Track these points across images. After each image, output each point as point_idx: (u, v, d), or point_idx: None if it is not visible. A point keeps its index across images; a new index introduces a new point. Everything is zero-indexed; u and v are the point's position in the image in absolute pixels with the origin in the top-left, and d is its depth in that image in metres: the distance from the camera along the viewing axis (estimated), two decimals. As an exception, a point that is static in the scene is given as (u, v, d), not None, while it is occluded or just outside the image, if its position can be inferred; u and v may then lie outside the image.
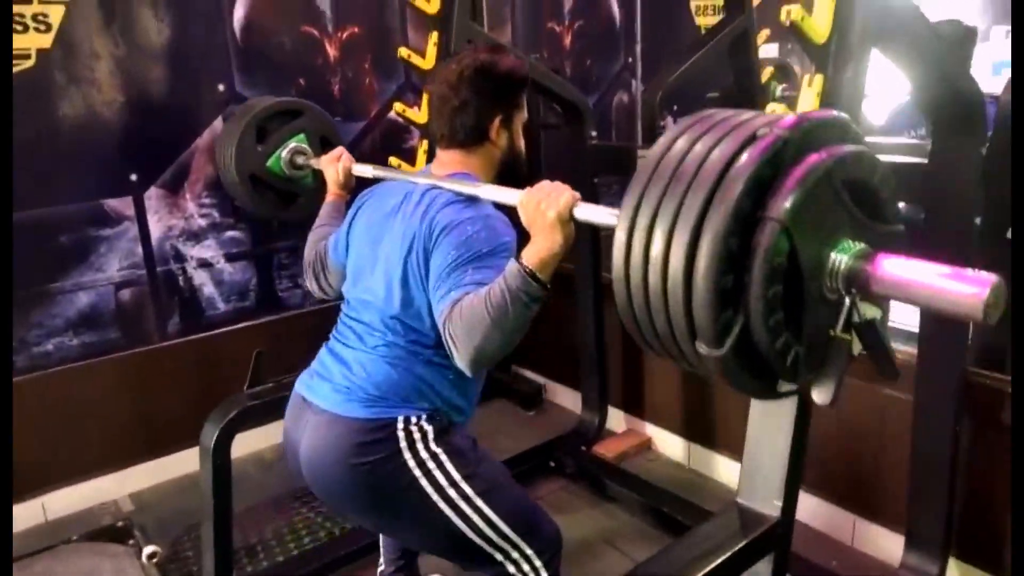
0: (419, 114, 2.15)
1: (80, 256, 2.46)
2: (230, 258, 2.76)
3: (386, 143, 3.05)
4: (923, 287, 0.78)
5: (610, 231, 0.92)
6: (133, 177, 2.52)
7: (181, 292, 2.68)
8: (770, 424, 1.34)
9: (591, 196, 2.69)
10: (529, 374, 3.29)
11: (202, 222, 2.68)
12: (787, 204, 0.78)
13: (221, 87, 2.64)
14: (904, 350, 1.88)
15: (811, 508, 2.24)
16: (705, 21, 4.17)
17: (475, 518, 1.37)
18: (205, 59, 2.60)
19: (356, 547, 2.14)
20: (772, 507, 1.31)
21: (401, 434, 1.35)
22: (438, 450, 1.36)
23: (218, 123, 2.64)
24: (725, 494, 2.42)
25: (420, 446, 1.35)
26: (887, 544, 2.09)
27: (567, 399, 3.07)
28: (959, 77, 1.61)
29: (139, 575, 2.16)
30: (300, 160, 2.00)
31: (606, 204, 1.13)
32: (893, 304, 0.89)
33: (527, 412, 3.11)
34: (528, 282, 1.14)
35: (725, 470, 2.52)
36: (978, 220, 1.69)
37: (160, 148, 2.57)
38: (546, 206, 1.13)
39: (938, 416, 1.83)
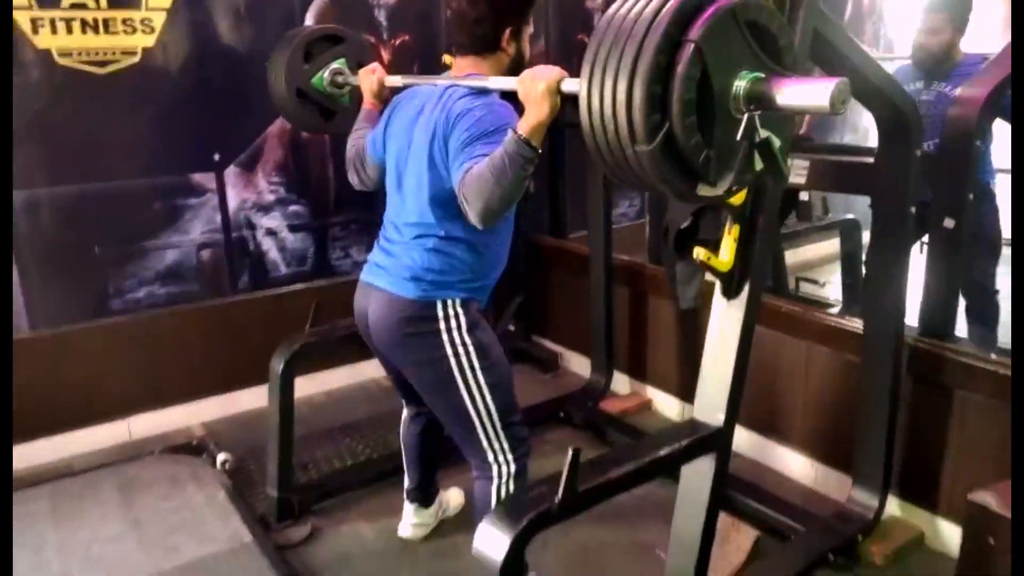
0: None
1: (170, 220, 2.92)
2: (292, 229, 3.21)
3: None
4: (795, 94, 1.09)
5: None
6: (216, 157, 2.97)
7: (251, 255, 3.13)
8: (719, 357, 1.72)
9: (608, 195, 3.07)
10: (547, 343, 3.70)
11: (270, 197, 3.14)
12: (701, 30, 1.06)
13: (292, 82, 3.09)
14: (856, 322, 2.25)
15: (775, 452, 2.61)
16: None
17: (479, 402, 1.77)
18: (278, 59, 3.05)
19: (390, 466, 2.56)
20: (717, 418, 1.69)
21: (440, 315, 1.73)
22: (468, 340, 1.75)
23: (288, 112, 3.09)
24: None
25: (455, 333, 1.74)
26: (841, 484, 2.44)
27: (580, 365, 3.45)
28: (896, 94, 1.96)
29: (212, 479, 2.61)
30: (340, 79, 2.30)
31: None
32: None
33: (544, 375, 3.51)
34: (521, 145, 1.45)
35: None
36: (912, 209, 2.04)
37: (239, 133, 3.02)
38: (539, 79, 1.43)
39: (880, 375, 2.18)
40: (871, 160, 2.08)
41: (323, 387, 3.38)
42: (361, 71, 2.10)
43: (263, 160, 3.08)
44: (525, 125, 1.46)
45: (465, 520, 2.35)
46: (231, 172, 3.02)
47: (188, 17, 2.83)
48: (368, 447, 2.86)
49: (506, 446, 1.83)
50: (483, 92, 1.65)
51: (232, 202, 3.04)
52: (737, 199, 1.64)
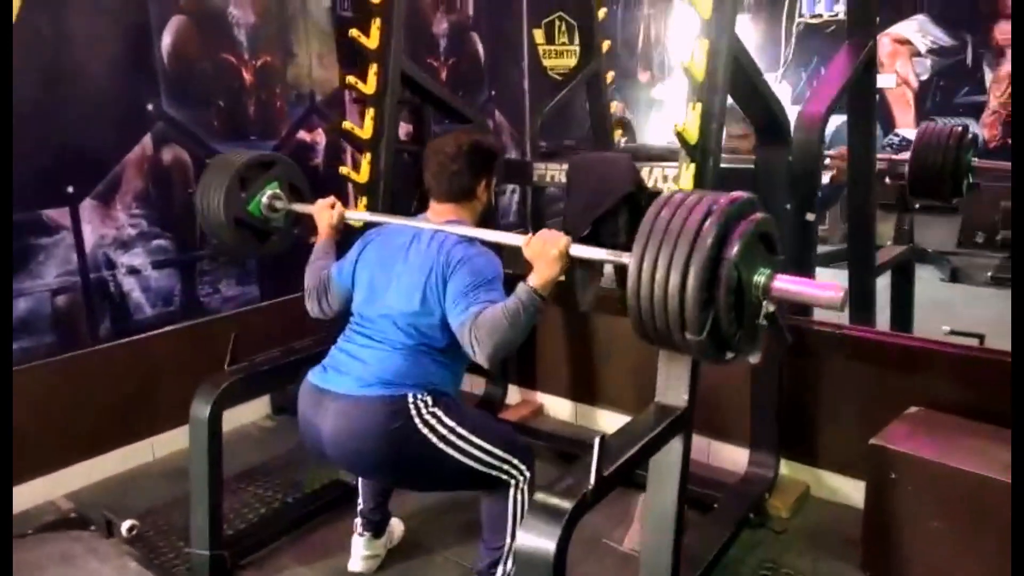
0: (363, 131, 2.54)
1: (19, 264, 2.56)
2: (157, 265, 2.95)
3: (295, 160, 3.35)
4: (803, 293, 1.43)
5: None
6: (69, 189, 2.66)
7: (112, 298, 2.83)
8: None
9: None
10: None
11: (132, 231, 2.86)
12: (737, 250, 1.37)
13: (150, 107, 2.85)
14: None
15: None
16: (551, 62, 4.88)
17: (473, 451, 1.83)
18: (136, 81, 2.81)
19: (311, 507, 2.50)
20: (682, 399, 1.88)
21: (411, 406, 1.79)
22: (437, 410, 1.81)
23: (147, 139, 2.85)
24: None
25: (425, 412, 1.80)
26: (733, 456, 2.76)
27: (476, 384, 3.53)
28: (774, 105, 2.32)
29: (112, 550, 2.33)
30: (278, 204, 2.33)
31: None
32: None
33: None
34: (535, 298, 1.69)
35: (605, 421, 3.11)
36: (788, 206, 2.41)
37: (94, 162, 2.73)
38: (551, 246, 1.67)
39: (767, 353, 2.51)
40: (751, 166, 2.41)
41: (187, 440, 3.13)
42: (318, 204, 2.20)
43: (122, 191, 2.81)
44: (539, 281, 1.69)
45: (411, 547, 2.37)
46: (87, 206, 2.72)
47: (32, 31, 2.52)
48: (278, 492, 2.71)
49: (515, 461, 1.90)
50: (471, 239, 1.85)
51: (89, 239, 2.74)
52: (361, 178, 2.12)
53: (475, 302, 1.73)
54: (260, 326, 3.29)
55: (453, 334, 1.81)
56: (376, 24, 2.49)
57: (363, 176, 2.54)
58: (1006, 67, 5.52)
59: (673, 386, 1.89)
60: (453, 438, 1.81)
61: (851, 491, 2.52)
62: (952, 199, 3.36)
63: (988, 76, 5.63)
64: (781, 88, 6.50)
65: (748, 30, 6.60)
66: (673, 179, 2.54)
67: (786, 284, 1.44)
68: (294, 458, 2.99)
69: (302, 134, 3.41)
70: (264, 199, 2.32)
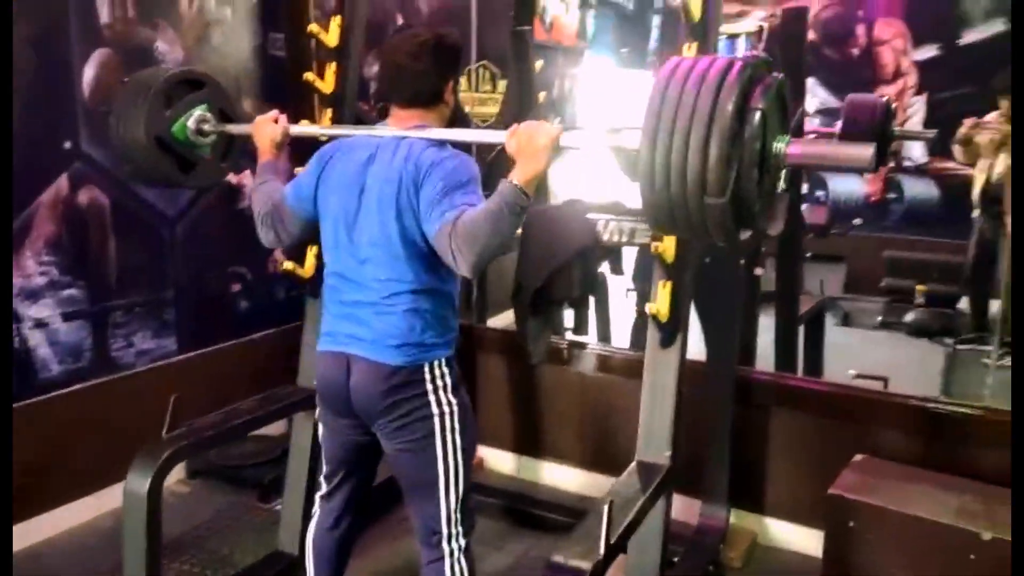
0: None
1: (-93, 318, 2.25)
2: (66, 317, 2.67)
3: (221, 203, 3.18)
4: (826, 155, 1.36)
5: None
6: (-28, 233, 2.39)
7: (15, 355, 2.53)
8: (657, 401, 1.91)
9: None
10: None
11: (40, 280, 2.59)
12: (764, 99, 1.25)
13: (67, 144, 2.62)
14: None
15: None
16: (475, 110, 4.89)
17: (451, 466, 1.74)
18: (53, 117, 2.57)
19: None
20: (664, 457, 1.87)
21: (427, 377, 1.71)
22: (453, 400, 1.74)
23: (63, 180, 2.61)
24: (551, 491, 3.01)
25: (441, 393, 1.72)
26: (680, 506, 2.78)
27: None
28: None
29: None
30: (206, 127, 2.07)
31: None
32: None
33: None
34: (519, 195, 1.50)
35: (551, 474, 3.07)
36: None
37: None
38: (540, 135, 1.50)
39: (721, 404, 2.57)
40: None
41: (103, 506, 2.84)
42: (258, 120, 1.95)
43: (33, 236, 2.54)
44: (522, 176, 1.52)
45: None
46: (-9, 253, 2.43)
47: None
48: (207, 568, 2.48)
49: (460, 519, 1.80)
50: (442, 143, 1.68)
51: (-8, 290, 2.45)
52: (668, 255, 1.88)
53: (451, 207, 1.56)
54: (178, 382, 3.05)
55: (428, 266, 1.68)
56: (332, 68, 2.39)
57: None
58: (883, 129, 6.03)
59: (655, 443, 1.89)
60: (448, 437, 1.73)
61: (798, 538, 2.59)
62: (878, 167, 3.43)
63: (870, 136, 6.12)
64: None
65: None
66: (628, 233, 2.60)
67: (806, 148, 1.33)
68: (219, 526, 2.76)
69: (228, 176, 3.22)
70: (191, 122, 2.04)
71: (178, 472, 3.10)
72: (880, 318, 5.33)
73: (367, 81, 3.81)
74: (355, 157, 1.75)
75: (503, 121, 3.67)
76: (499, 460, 3.22)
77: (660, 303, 1.87)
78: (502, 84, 4.98)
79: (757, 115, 1.24)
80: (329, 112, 2.43)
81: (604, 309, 3.33)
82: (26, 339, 2.56)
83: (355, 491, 1.98)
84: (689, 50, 1.84)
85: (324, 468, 1.98)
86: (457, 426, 1.74)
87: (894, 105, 3.52)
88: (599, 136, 1.60)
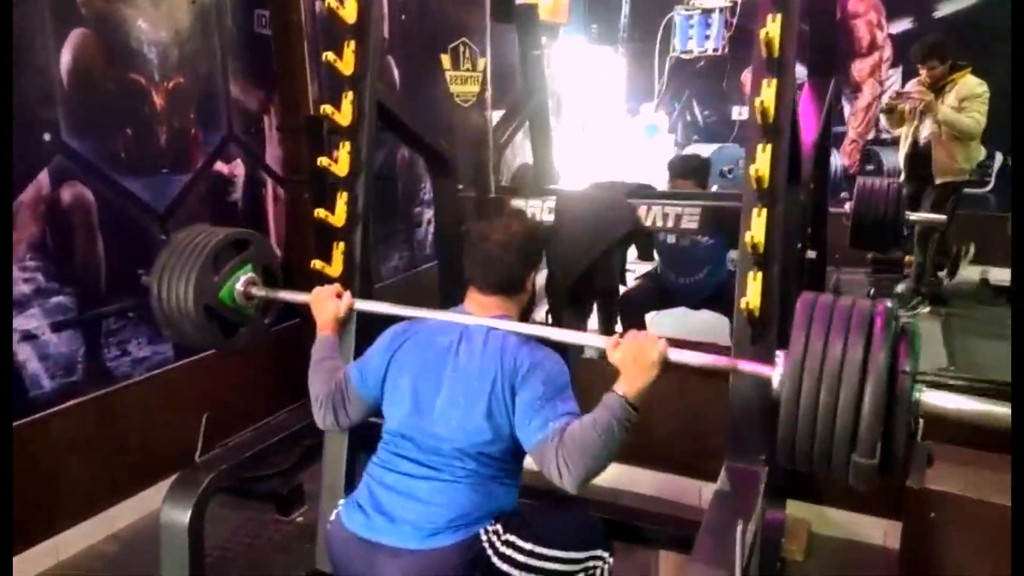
0: (339, 167, 2.19)
1: None
2: (56, 327, 2.40)
3: (212, 196, 2.92)
4: (962, 408, 1.30)
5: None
6: (-53, 239, 2.09)
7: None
8: (748, 402, 1.77)
9: (460, 242, 2.95)
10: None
11: (26, 289, 2.31)
12: (912, 361, 1.23)
13: (47, 136, 2.32)
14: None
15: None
16: (457, 88, 4.67)
17: (559, 567, 1.57)
18: (29, 108, 2.28)
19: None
20: (759, 461, 1.75)
21: (485, 545, 1.51)
22: (510, 537, 1.53)
23: (43, 176, 2.32)
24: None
25: (500, 545, 1.52)
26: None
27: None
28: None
29: None
30: (254, 291, 1.92)
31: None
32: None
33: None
34: (629, 412, 1.44)
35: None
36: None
37: (-23, 204, 2.17)
38: (649, 350, 1.45)
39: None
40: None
41: (105, 529, 2.59)
42: (318, 292, 1.85)
43: (14, 240, 2.25)
44: (631, 390, 1.45)
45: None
46: (-30, 260, 2.15)
47: None
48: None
49: (597, 552, 1.65)
50: (530, 337, 1.60)
51: (-27, 302, 2.16)
52: (760, 245, 1.74)
53: (554, 417, 1.47)
54: (177, 391, 2.81)
55: (520, 452, 1.55)
56: (350, 47, 2.16)
57: (340, 218, 2.19)
58: (861, 101, 6.03)
59: (748, 445, 1.76)
60: (535, 562, 1.54)
61: (853, 525, 2.52)
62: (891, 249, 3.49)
63: (847, 109, 6.12)
64: (657, 117, 6.72)
65: (620, 63, 6.78)
66: (674, 219, 2.46)
67: (940, 399, 1.28)
68: (241, 547, 2.55)
69: (219, 165, 2.96)
70: (239, 286, 1.90)
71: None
72: (872, 290, 5.34)
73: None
74: (437, 341, 1.63)
75: (505, 104, 3.47)
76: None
77: (752, 296, 1.73)
78: (482, 63, 4.79)
79: (907, 380, 1.20)
80: (351, 96, 2.20)
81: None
82: (15, 354, 2.28)
83: None
84: (769, 87, 1.73)
85: None
86: (526, 546, 1.54)
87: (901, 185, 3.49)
88: (708, 359, 1.53)
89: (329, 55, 2.16)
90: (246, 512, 2.75)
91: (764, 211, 1.73)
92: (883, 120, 4.60)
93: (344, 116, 2.19)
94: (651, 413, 1.69)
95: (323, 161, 2.16)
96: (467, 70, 4.77)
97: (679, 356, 1.47)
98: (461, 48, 4.71)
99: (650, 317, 3.35)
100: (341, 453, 2.19)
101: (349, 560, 1.55)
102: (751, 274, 1.75)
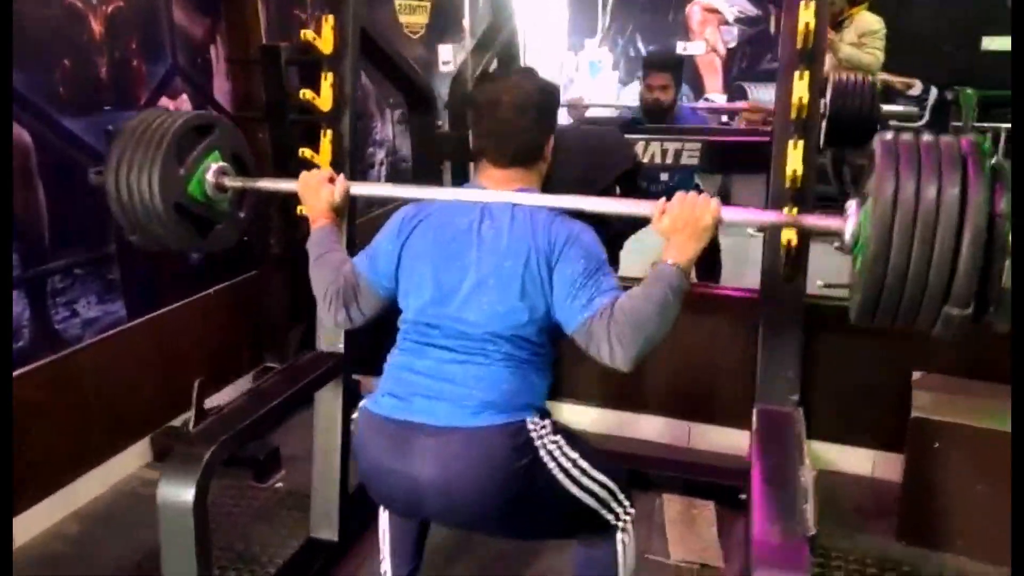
0: (321, 101, 1.99)
1: None
2: (-3, 289, 2.13)
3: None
4: None
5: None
6: None
7: (-61, 341, 1.98)
8: (780, 343, 1.72)
9: (438, 181, 2.78)
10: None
11: (-41, 245, 2.02)
12: (1006, 200, 1.12)
13: (-27, 66, 2.00)
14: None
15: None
16: (407, 19, 4.39)
17: (595, 487, 1.49)
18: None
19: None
20: (791, 403, 1.71)
21: (533, 434, 1.41)
22: (559, 439, 1.45)
23: (-28, 114, 2.01)
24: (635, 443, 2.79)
25: (548, 443, 1.43)
26: (718, 439, 2.68)
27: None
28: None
29: None
30: (227, 181, 1.69)
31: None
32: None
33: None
34: (684, 281, 1.34)
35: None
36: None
37: None
38: (702, 213, 1.32)
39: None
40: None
41: (66, 506, 2.38)
42: (306, 177, 1.63)
43: (-57, 189, 1.96)
44: (683, 257, 1.34)
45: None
46: None
47: None
48: (238, 572, 2.12)
49: (622, 497, 1.57)
50: (560, 210, 1.46)
51: (-101, 262, 1.87)
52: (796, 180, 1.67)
53: (599, 293, 1.37)
54: (133, 352, 2.58)
55: (554, 335, 1.46)
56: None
57: (325, 157, 2.00)
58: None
59: (780, 387, 1.73)
60: (576, 473, 1.46)
61: (838, 457, 2.55)
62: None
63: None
64: (602, 53, 6.57)
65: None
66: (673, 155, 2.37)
67: None
68: (219, 517, 2.37)
69: (164, 101, 2.66)
70: (209, 176, 1.67)
71: (141, 455, 2.66)
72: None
73: None
74: (453, 222, 1.48)
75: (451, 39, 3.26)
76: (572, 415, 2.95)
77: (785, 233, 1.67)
78: (431, -9, 4.52)
79: (1004, 223, 1.10)
80: (331, 21, 1.99)
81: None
82: (-50, 321, 2.01)
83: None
84: (801, 79, 1.65)
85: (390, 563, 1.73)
86: (573, 454, 1.46)
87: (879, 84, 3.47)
88: (763, 216, 1.43)
89: (306, 93, 1.95)
90: (220, 480, 2.56)
91: (801, 142, 1.66)
92: None
93: (326, 43, 1.99)
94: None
95: (306, 94, 1.96)
96: (416, 0, 4.48)
97: (734, 215, 1.37)
98: (409, -26, 4.41)
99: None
100: (336, 416, 2.06)
101: (382, 452, 1.43)
102: (787, 208, 1.69)
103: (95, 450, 2.47)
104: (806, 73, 1.63)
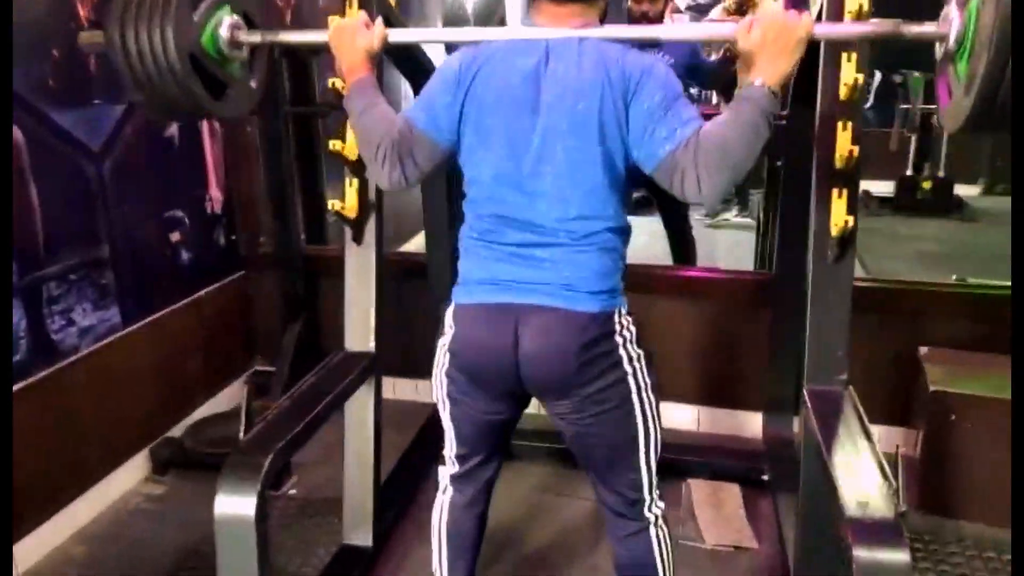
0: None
1: None
2: (-7, 298, 1.98)
3: (147, 130, 2.50)
4: None
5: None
6: None
7: (-63, 357, 1.83)
8: (828, 320, 1.74)
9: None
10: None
11: (-46, 252, 1.87)
12: None
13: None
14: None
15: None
16: None
17: (650, 426, 1.48)
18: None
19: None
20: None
21: (617, 327, 1.41)
22: (640, 353, 1.45)
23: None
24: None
25: (630, 346, 1.43)
26: (729, 421, 2.73)
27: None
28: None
29: None
30: (243, 36, 1.53)
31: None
32: None
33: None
34: (775, 102, 1.25)
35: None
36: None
37: None
38: (792, 28, 1.22)
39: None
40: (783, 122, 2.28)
41: (69, 527, 2.24)
42: (340, 24, 1.48)
43: (-64, 192, 1.80)
44: (774, 77, 1.24)
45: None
46: None
47: None
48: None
49: (656, 481, 1.56)
50: (630, 42, 1.39)
51: None
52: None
53: (680, 123, 1.28)
54: (126, 362, 2.45)
55: (624, 199, 1.42)
56: None
57: (352, 149, 1.91)
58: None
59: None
60: (644, 396, 1.45)
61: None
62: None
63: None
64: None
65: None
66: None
67: None
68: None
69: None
70: (223, 30, 1.50)
71: (140, 468, 2.53)
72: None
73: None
74: (516, 65, 1.38)
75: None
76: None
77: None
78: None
79: None
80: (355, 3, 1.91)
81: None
82: (-53, 334, 1.86)
83: (495, 470, 1.69)
84: None
85: (453, 447, 1.64)
86: (649, 380, 1.47)
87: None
88: (864, 28, 1.34)
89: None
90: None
91: (850, 123, 1.66)
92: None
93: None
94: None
95: (336, 83, 1.87)
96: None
97: (828, 30, 1.31)
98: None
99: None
100: (370, 420, 2.00)
101: (484, 333, 1.42)
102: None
103: (93, 467, 2.34)
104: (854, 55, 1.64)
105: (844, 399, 1.69)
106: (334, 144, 1.85)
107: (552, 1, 1.38)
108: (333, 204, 1.88)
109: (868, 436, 1.52)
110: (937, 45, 1.29)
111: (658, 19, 2.92)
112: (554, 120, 1.35)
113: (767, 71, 1.24)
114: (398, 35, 1.52)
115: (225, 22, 1.51)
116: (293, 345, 2.88)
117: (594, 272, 1.39)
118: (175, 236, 2.65)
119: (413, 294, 2.70)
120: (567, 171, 1.36)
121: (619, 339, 1.41)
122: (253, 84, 1.67)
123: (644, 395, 1.46)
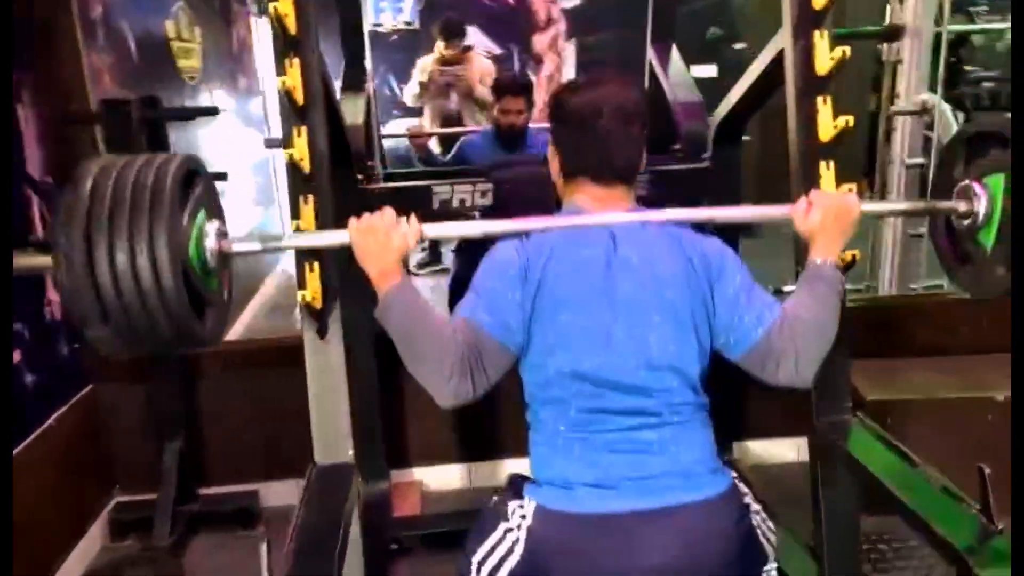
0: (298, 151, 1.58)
1: None
2: None
3: None
4: None
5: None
6: None
7: None
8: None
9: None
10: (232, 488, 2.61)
11: None
12: None
13: None
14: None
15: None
16: (183, 63, 3.81)
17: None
18: None
19: None
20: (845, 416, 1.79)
21: (745, 497, 1.31)
22: (758, 505, 1.35)
23: None
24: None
25: (752, 504, 1.32)
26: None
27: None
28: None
29: None
30: (234, 247, 1.25)
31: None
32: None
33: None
34: (842, 277, 1.33)
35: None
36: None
37: None
38: (848, 209, 1.30)
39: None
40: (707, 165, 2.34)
41: None
42: (374, 224, 1.25)
43: None
44: (837, 252, 1.32)
45: None
46: None
47: None
48: None
49: None
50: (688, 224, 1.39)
51: None
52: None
53: (764, 306, 1.29)
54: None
55: (705, 375, 1.35)
56: (294, 63, 1.59)
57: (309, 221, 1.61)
58: (544, 72, 6.49)
59: (835, 398, 1.80)
60: (772, 537, 1.35)
61: (774, 451, 2.75)
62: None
63: (533, 79, 6.54)
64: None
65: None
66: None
67: None
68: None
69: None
70: (209, 242, 1.18)
71: (98, 537, 2.19)
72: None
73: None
74: (583, 256, 1.29)
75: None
76: (443, 477, 2.71)
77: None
78: (198, 32, 3.98)
79: None
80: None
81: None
82: None
83: None
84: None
85: None
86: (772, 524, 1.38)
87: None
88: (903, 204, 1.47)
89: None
90: (210, 539, 2.40)
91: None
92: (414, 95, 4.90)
93: (297, 93, 1.63)
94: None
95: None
96: (187, 40, 3.91)
97: (876, 207, 1.40)
98: (179, 14, 3.83)
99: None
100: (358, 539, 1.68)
101: (603, 554, 1.20)
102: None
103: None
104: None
105: (851, 427, 1.74)
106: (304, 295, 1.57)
107: (597, 184, 1.33)
108: (303, 296, 1.57)
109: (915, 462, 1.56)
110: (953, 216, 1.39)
111: (523, 131, 3.16)
112: (640, 312, 1.26)
113: (830, 249, 1.30)
114: (434, 230, 1.33)
115: (211, 230, 1.19)
116: (175, 467, 2.38)
117: (710, 446, 1.32)
118: (16, 356, 2.08)
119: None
120: (661, 361, 1.26)
121: (751, 512, 1.30)
122: (226, 299, 1.30)
123: (771, 538, 1.35)
